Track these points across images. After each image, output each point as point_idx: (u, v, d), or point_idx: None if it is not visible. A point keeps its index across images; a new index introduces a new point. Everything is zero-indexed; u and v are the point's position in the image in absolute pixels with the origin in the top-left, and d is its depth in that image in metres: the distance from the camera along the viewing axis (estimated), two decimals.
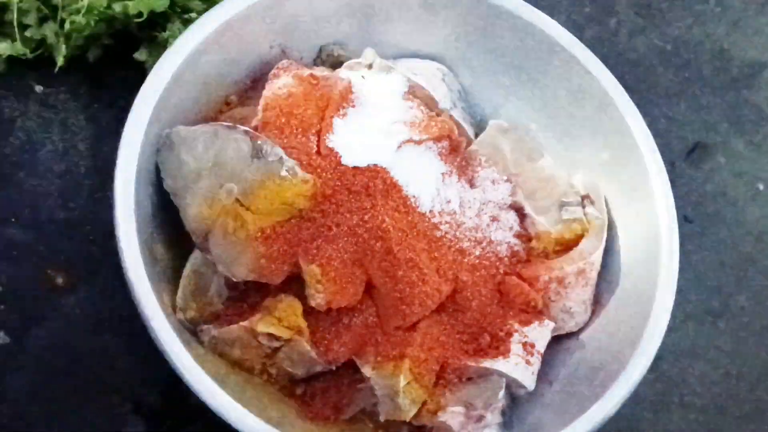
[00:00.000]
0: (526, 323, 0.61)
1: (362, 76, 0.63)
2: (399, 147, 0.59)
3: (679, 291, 0.60)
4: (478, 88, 0.69)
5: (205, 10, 0.65)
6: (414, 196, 0.59)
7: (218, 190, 0.55)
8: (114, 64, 0.71)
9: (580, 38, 0.66)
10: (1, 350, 0.62)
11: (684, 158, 0.81)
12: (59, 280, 0.65)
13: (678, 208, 0.62)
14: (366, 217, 0.56)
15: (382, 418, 0.58)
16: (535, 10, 0.66)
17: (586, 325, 0.63)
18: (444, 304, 0.59)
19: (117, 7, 0.66)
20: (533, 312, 0.61)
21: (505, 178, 0.66)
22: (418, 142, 0.60)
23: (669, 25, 0.86)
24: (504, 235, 0.64)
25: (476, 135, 0.67)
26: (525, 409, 0.60)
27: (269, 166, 0.55)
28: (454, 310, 0.60)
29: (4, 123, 0.68)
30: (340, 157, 0.57)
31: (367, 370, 0.57)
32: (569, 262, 0.63)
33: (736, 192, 0.81)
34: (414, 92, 0.65)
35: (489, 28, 0.66)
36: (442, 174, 0.62)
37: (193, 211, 0.56)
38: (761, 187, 0.81)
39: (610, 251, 0.64)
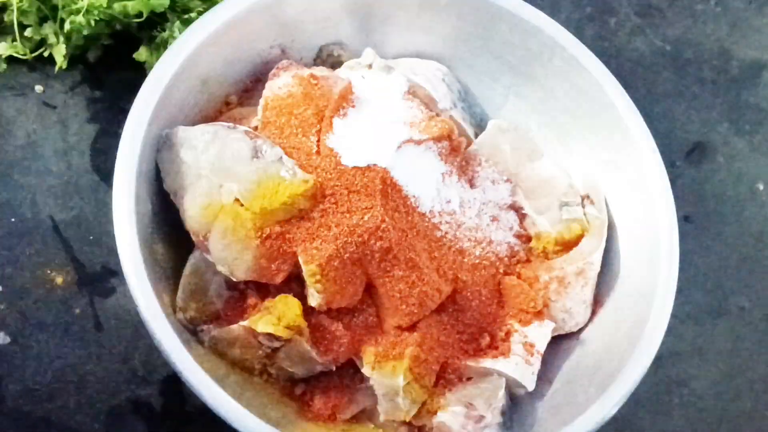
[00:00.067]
0: (526, 323, 0.61)
1: (362, 76, 0.63)
2: (399, 147, 0.59)
3: (679, 291, 0.60)
4: (478, 88, 0.69)
5: (205, 10, 0.65)
6: (414, 196, 0.59)
7: (218, 190, 0.55)
8: (114, 64, 0.71)
9: (580, 38, 0.65)
10: (1, 350, 0.62)
11: (684, 158, 0.81)
12: (59, 280, 0.65)
13: (678, 208, 0.62)
14: (366, 217, 0.56)
15: (382, 418, 0.58)
16: (535, 10, 0.66)
17: (586, 325, 0.63)
18: (444, 304, 0.59)
19: (117, 7, 0.66)
20: (533, 312, 0.61)
21: (505, 178, 0.66)
22: (418, 142, 0.60)
23: (669, 25, 0.87)
24: (504, 235, 0.64)
25: (476, 135, 0.67)
26: (525, 409, 0.60)
27: (269, 166, 0.55)
28: (454, 310, 0.60)
29: (4, 123, 0.68)
30: (340, 157, 0.57)
31: (367, 370, 0.57)
32: (569, 262, 0.63)
33: (736, 192, 0.81)
34: (414, 92, 0.65)
35: (489, 28, 0.66)
36: (442, 174, 0.62)
37: (193, 211, 0.56)
38: (761, 187, 0.81)
39: (610, 251, 0.64)
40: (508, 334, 0.60)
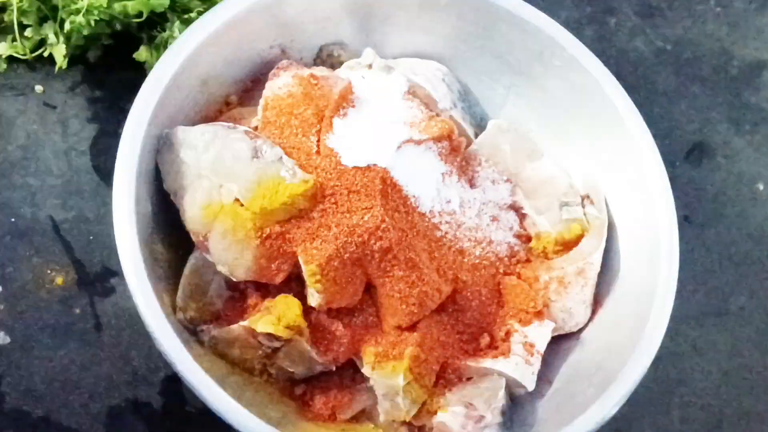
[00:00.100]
0: (526, 323, 0.61)
1: (362, 76, 0.63)
2: (399, 147, 0.59)
3: (679, 291, 0.60)
4: (478, 88, 0.69)
5: (205, 10, 0.65)
6: (414, 196, 0.59)
7: (218, 190, 0.55)
8: (114, 64, 0.71)
9: (580, 38, 0.65)
10: (1, 350, 0.62)
11: (684, 158, 0.81)
12: (59, 280, 0.65)
13: (678, 208, 0.62)
14: (366, 217, 0.56)
15: (382, 418, 0.58)
16: (535, 10, 0.65)
17: (586, 325, 0.63)
18: (444, 304, 0.59)
19: (117, 7, 0.66)
20: (533, 312, 0.61)
21: (505, 178, 0.66)
22: (418, 142, 0.60)
23: (669, 25, 0.86)
24: (504, 235, 0.64)
25: (476, 135, 0.67)
26: (525, 409, 0.60)
27: (269, 166, 0.55)
28: (454, 310, 0.60)
29: (4, 123, 0.68)
30: (340, 157, 0.57)
31: (367, 370, 0.57)
32: (569, 262, 0.63)
33: (736, 192, 0.81)
34: (414, 92, 0.65)
35: (489, 28, 0.66)
36: (442, 174, 0.62)
37: (193, 211, 0.56)
38: (761, 187, 0.81)
39: (610, 251, 0.64)
40: (508, 334, 0.60)
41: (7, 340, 0.62)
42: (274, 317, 0.55)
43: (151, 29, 0.69)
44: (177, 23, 0.67)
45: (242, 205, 0.55)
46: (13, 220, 0.66)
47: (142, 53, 0.69)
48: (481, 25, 0.66)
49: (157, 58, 0.58)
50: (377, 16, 0.66)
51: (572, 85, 0.66)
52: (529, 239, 0.65)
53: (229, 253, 0.55)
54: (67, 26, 0.66)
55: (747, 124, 0.84)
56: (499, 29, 0.66)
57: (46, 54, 0.69)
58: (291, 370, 0.57)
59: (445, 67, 0.68)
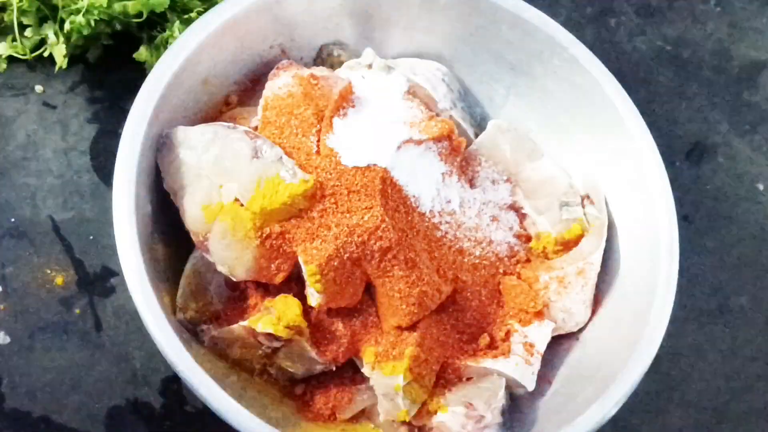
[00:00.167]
0: (526, 323, 0.61)
1: (362, 76, 0.63)
2: (399, 147, 0.59)
3: (679, 291, 0.60)
4: (478, 88, 0.69)
5: (205, 10, 0.65)
6: (414, 196, 0.59)
7: (218, 190, 0.55)
8: (114, 64, 0.71)
9: (580, 38, 0.65)
10: (1, 350, 0.62)
11: (684, 158, 0.81)
12: (59, 280, 0.65)
13: (678, 208, 0.62)
14: (366, 217, 0.56)
15: (382, 418, 0.58)
16: (535, 10, 0.66)
17: (586, 325, 0.63)
18: (444, 304, 0.59)
19: (117, 7, 0.66)
20: (533, 312, 0.61)
21: (505, 178, 0.66)
22: (418, 142, 0.60)
23: (669, 25, 0.87)
24: (504, 235, 0.64)
25: (476, 135, 0.67)
26: (525, 409, 0.60)
27: (269, 166, 0.55)
28: (454, 310, 0.60)
29: (4, 123, 0.68)
30: (340, 157, 0.57)
31: (367, 370, 0.57)
32: (569, 262, 0.63)
33: (736, 192, 0.81)
34: (414, 92, 0.65)
35: (489, 28, 0.66)
36: (442, 174, 0.62)
37: (193, 211, 0.56)
38: (761, 187, 0.81)
39: (610, 251, 0.64)
40: (508, 334, 0.60)
41: (8, 340, 0.62)
42: (274, 317, 0.55)
43: (151, 29, 0.69)
44: (177, 23, 0.67)
45: (242, 205, 0.55)
46: (13, 220, 0.66)
47: (142, 53, 0.69)
48: (482, 25, 0.66)
49: (157, 58, 0.58)
50: (377, 16, 0.66)
51: (572, 85, 0.66)
52: (529, 239, 0.65)
53: (229, 252, 0.55)
54: (67, 26, 0.66)
55: (747, 124, 0.84)
56: (499, 29, 0.66)
57: (46, 54, 0.69)
58: (291, 370, 0.57)
59: (445, 67, 0.68)
